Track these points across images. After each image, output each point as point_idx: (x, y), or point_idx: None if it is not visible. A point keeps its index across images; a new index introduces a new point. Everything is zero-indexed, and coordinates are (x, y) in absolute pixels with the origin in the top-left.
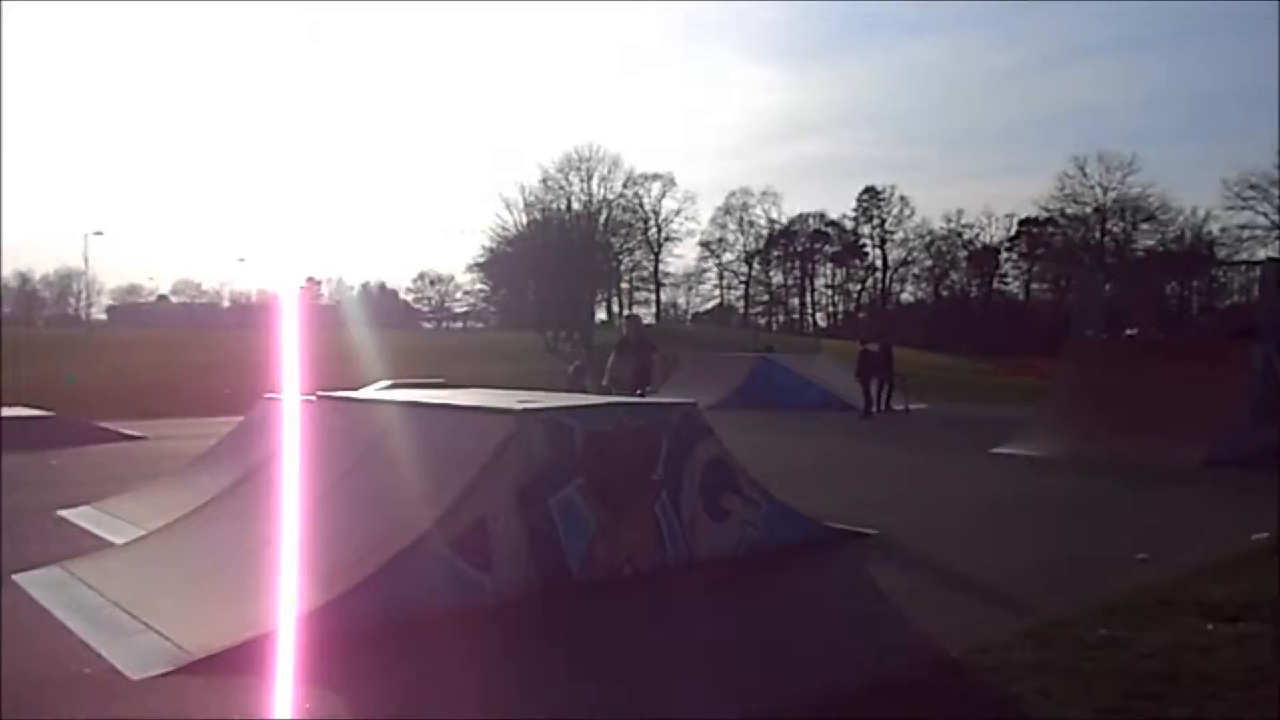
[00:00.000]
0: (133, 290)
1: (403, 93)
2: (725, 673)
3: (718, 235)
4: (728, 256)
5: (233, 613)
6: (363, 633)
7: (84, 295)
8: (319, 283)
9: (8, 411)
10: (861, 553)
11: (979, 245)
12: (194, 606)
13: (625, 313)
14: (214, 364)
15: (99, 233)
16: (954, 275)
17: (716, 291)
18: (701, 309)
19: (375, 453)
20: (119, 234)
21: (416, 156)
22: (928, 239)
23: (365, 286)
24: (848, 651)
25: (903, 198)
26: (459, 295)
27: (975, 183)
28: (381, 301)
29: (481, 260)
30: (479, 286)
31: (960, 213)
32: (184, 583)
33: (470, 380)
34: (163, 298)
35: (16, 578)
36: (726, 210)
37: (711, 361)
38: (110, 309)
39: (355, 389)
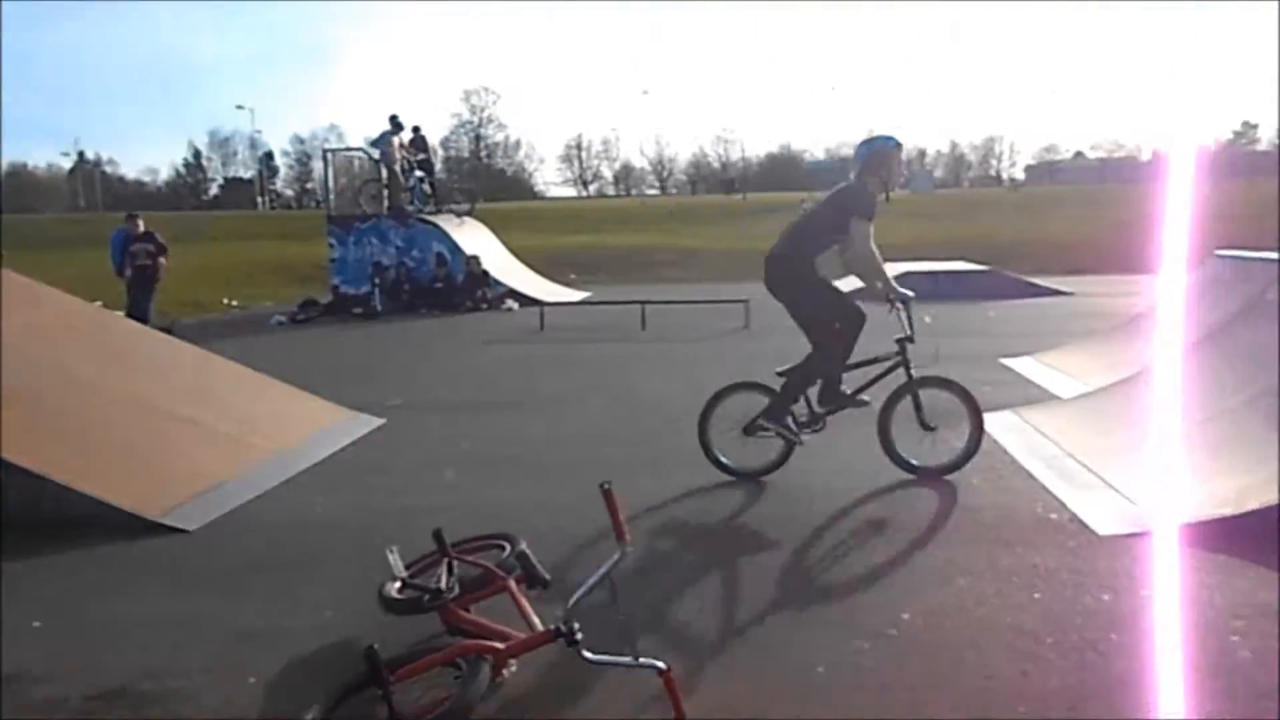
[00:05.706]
0: (1049, 149)
1: None
2: None
3: None
4: None
5: (1214, 483)
6: None
7: (1005, 156)
8: (1254, 127)
9: (952, 266)
10: None
11: None
12: (1150, 470)
13: None
14: (1133, 220)
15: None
16: None
17: None
18: None
19: None
20: (1039, 95)
21: None
22: None
23: None
24: None
25: None
26: None
27: None
28: None
29: None
30: None
31: None
32: (1135, 444)
33: None
34: (1079, 154)
35: None
36: None
37: None
38: (1028, 168)
39: None
